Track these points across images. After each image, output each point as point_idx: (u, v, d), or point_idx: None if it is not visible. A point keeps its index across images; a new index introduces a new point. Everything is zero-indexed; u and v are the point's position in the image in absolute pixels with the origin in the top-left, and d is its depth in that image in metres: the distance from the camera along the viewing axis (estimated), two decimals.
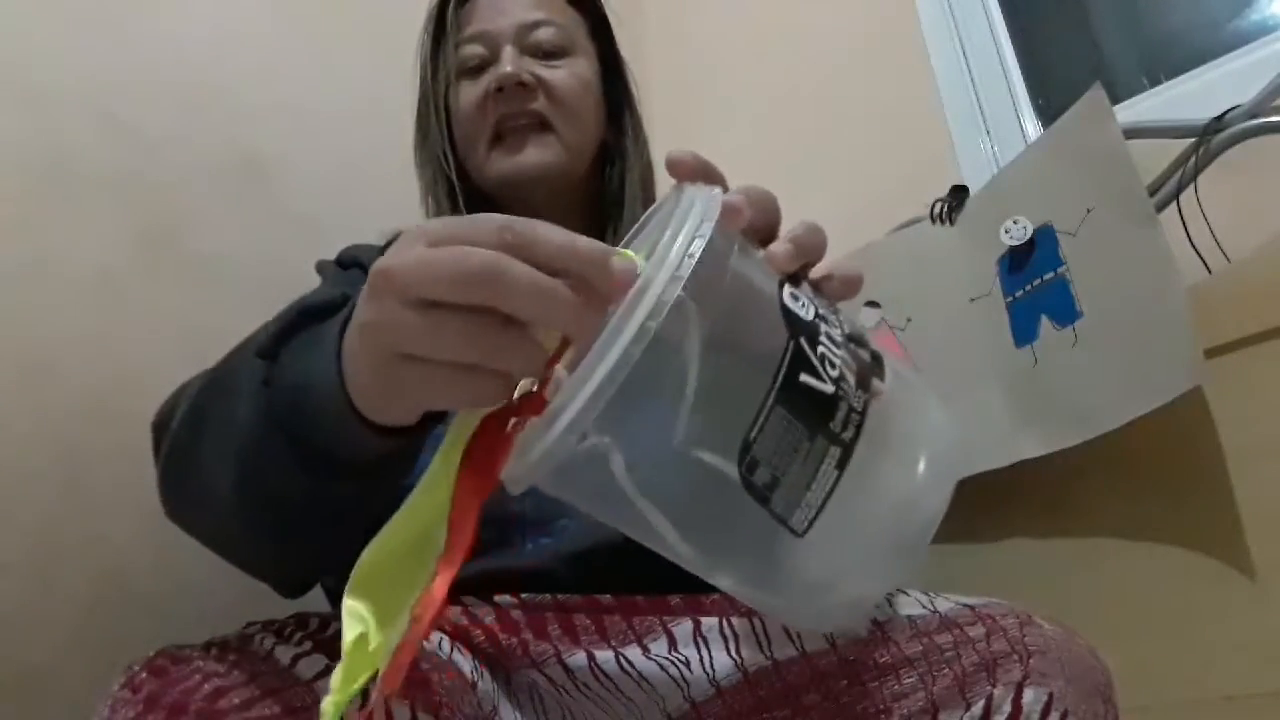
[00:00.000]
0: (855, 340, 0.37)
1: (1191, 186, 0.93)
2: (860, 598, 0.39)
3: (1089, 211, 0.86)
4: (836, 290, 0.41)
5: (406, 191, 0.79)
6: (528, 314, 0.31)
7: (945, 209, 1.09)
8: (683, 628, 0.57)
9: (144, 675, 0.44)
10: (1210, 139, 0.92)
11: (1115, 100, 1.00)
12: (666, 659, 0.56)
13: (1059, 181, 0.91)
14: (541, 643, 0.57)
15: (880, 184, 1.38)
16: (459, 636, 0.58)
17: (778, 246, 0.38)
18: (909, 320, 1.06)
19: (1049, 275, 0.91)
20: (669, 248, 0.30)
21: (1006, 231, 0.95)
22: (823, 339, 0.35)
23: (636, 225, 0.41)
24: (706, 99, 1.70)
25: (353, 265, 0.75)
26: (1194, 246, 0.93)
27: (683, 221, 0.31)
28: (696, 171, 0.38)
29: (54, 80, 0.89)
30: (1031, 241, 0.94)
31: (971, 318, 1.01)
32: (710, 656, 0.55)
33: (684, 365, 0.31)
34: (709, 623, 0.57)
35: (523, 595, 0.60)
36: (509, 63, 0.74)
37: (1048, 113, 1.38)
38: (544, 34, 0.77)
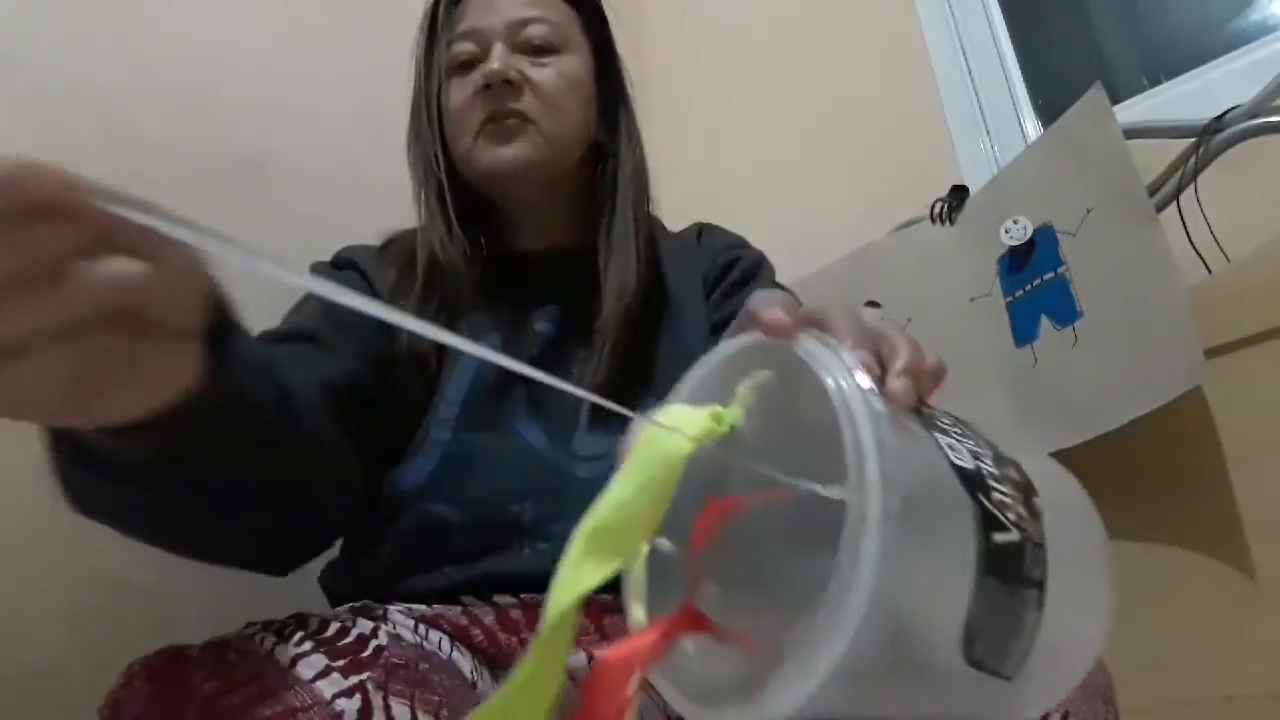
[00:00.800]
0: (1002, 461, 0.34)
1: (1191, 186, 0.93)
2: (1077, 672, 0.38)
3: (1089, 211, 0.86)
4: (930, 390, 0.36)
5: (406, 191, 0.79)
6: None
7: (945, 209, 1.09)
8: None
9: (144, 675, 0.44)
10: (1210, 139, 0.92)
11: (1115, 100, 1.00)
12: None
13: (1059, 181, 0.91)
14: None
15: (880, 184, 1.38)
16: (459, 636, 0.58)
17: (897, 384, 0.33)
18: (909, 320, 1.06)
19: (1049, 275, 0.91)
20: (865, 500, 0.27)
21: (1006, 231, 0.95)
22: (990, 483, 0.32)
23: (690, 382, 0.38)
24: (706, 99, 1.70)
25: (347, 266, 0.75)
26: (1194, 246, 0.93)
27: (858, 440, 0.28)
28: (796, 328, 0.34)
29: (54, 80, 0.89)
30: (1031, 241, 0.94)
31: (971, 318, 1.01)
32: None
33: (895, 592, 0.27)
34: None
35: (522, 595, 0.60)
36: (497, 60, 0.73)
37: (1048, 113, 1.38)
38: (535, 31, 0.76)
